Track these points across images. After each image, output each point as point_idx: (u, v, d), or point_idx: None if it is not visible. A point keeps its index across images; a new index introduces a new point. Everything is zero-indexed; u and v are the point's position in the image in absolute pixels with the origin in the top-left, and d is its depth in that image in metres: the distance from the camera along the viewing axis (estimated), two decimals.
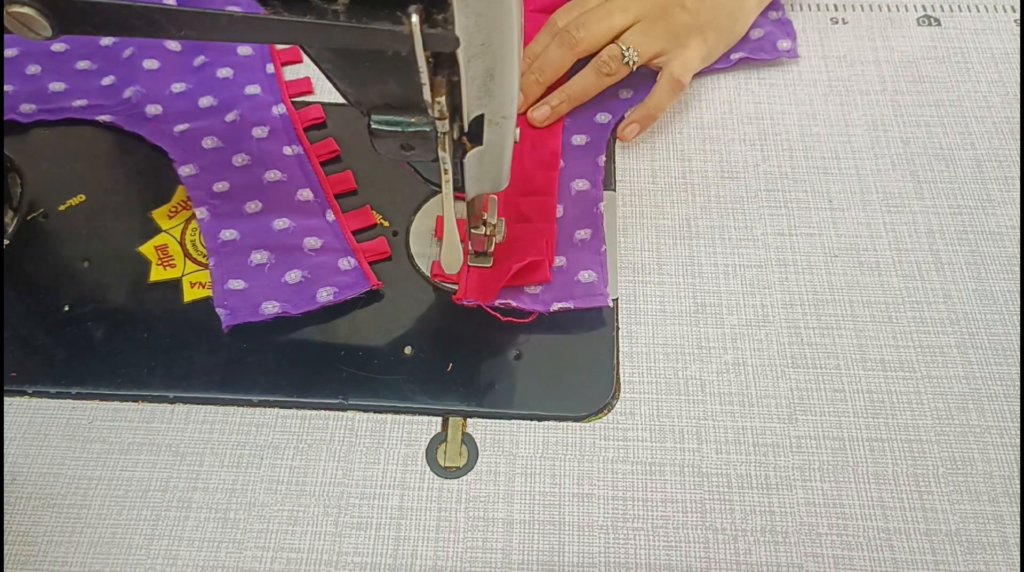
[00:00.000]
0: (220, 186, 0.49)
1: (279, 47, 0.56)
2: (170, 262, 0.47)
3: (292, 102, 0.53)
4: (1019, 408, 0.42)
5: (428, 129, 0.33)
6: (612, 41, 0.50)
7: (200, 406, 0.43)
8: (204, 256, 0.48)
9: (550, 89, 0.51)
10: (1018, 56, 0.56)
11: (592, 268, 0.46)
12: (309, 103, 0.54)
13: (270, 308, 0.44)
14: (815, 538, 0.39)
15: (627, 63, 0.50)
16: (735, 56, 0.54)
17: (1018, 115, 0.53)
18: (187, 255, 0.48)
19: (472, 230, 0.43)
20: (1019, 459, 0.41)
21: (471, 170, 0.37)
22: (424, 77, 0.29)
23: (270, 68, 0.55)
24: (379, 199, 0.50)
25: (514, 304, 0.44)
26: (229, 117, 0.52)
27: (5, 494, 0.40)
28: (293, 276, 0.45)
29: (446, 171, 0.35)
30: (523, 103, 0.51)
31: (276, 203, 0.48)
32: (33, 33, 0.30)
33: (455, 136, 0.35)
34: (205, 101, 0.53)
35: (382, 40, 0.28)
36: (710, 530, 0.39)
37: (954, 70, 0.56)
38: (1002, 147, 0.52)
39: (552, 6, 0.54)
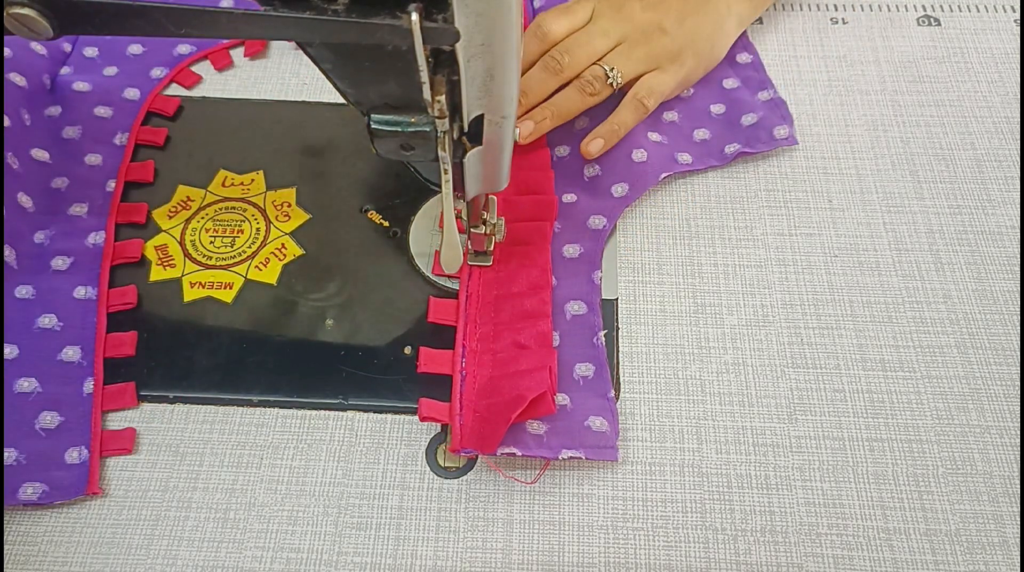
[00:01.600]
0: None
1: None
2: (170, 262, 0.47)
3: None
4: (1019, 408, 0.42)
5: (428, 129, 0.33)
6: (594, 62, 0.50)
7: (200, 406, 0.43)
8: (204, 256, 0.48)
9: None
10: (1018, 56, 0.56)
11: (603, 415, 0.41)
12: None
13: None
14: (815, 538, 0.39)
15: (610, 84, 0.49)
16: (730, 150, 0.50)
17: (1018, 115, 0.53)
18: (187, 255, 0.48)
19: (472, 229, 0.43)
20: (1019, 459, 0.41)
21: (471, 170, 0.37)
22: (424, 75, 0.29)
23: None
24: (379, 199, 0.50)
25: (519, 453, 0.40)
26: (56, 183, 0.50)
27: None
28: (9, 455, 0.40)
29: (446, 171, 0.35)
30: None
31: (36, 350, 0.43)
32: (33, 34, 0.30)
33: (455, 136, 0.35)
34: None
35: (382, 35, 0.28)
36: (710, 530, 0.39)
37: (954, 70, 0.56)
38: (1002, 147, 0.52)
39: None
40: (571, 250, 0.47)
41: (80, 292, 0.45)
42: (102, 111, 0.53)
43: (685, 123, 0.53)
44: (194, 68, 0.56)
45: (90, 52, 0.56)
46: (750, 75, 0.55)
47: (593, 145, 0.49)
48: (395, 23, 0.27)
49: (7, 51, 0.52)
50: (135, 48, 0.57)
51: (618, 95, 0.50)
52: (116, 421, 0.42)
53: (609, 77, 0.49)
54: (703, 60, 0.52)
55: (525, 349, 0.43)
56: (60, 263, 0.46)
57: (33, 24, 0.29)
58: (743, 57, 0.55)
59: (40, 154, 0.50)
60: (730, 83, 0.54)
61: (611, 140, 0.49)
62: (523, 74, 0.50)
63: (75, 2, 0.29)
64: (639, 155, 0.49)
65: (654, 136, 0.51)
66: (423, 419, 0.41)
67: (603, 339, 0.44)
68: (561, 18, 0.51)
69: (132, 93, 0.54)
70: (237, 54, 0.57)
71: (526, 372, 0.41)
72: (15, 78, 0.51)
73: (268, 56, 0.57)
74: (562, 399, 0.42)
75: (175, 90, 0.55)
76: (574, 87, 0.50)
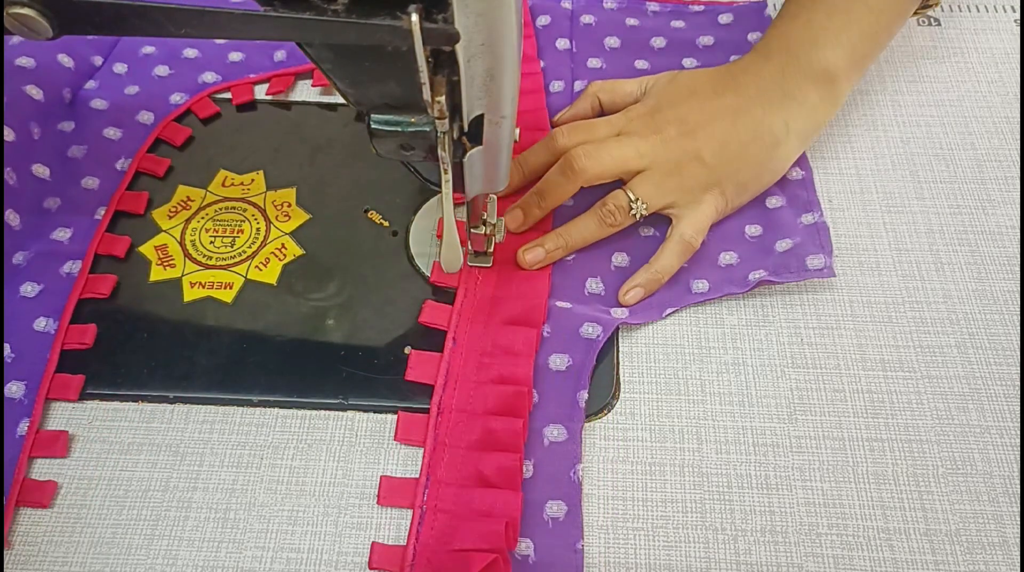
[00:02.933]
0: None
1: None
2: (170, 262, 0.47)
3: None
4: (1019, 408, 0.42)
5: (428, 129, 0.33)
6: (617, 178, 0.46)
7: (200, 406, 0.43)
8: (204, 256, 0.48)
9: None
10: (1018, 56, 0.56)
11: None
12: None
13: None
14: (815, 538, 0.39)
15: (633, 215, 0.45)
16: (754, 277, 0.45)
17: (1018, 115, 0.53)
18: (187, 255, 0.48)
19: (472, 230, 0.43)
20: (1019, 459, 0.41)
21: (471, 170, 0.37)
22: (424, 76, 0.29)
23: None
24: (379, 199, 0.50)
25: None
26: None
27: (5, 494, 0.40)
28: None
29: (446, 171, 0.35)
30: (522, 223, 0.47)
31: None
32: (34, 33, 0.30)
33: (455, 136, 0.35)
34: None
35: (382, 36, 0.28)
36: (710, 530, 0.39)
37: (954, 70, 0.56)
38: (1002, 147, 0.52)
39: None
40: (558, 361, 0.43)
41: (40, 324, 0.44)
42: (111, 133, 0.52)
43: (712, 244, 0.47)
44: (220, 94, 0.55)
45: (119, 68, 0.56)
46: (798, 194, 0.48)
47: (631, 295, 0.45)
48: (395, 23, 0.27)
49: (30, 61, 0.52)
50: (161, 70, 0.55)
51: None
52: (115, 430, 0.42)
53: (633, 208, 0.45)
54: (749, 187, 0.47)
55: (490, 485, 0.39)
56: (29, 290, 0.45)
57: (33, 24, 0.29)
58: (795, 173, 0.49)
59: (41, 170, 0.49)
60: (774, 202, 0.48)
61: (652, 289, 0.45)
62: (534, 181, 0.48)
63: (74, 2, 0.29)
64: None
65: None
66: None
67: (581, 473, 0.40)
68: (581, 132, 0.47)
69: (146, 116, 0.53)
70: (260, 90, 0.55)
71: (486, 516, 0.38)
72: (32, 90, 0.50)
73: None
74: (524, 547, 0.38)
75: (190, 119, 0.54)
76: (594, 215, 0.46)
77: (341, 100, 0.34)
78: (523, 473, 0.39)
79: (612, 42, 0.57)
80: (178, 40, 0.57)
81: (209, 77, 0.55)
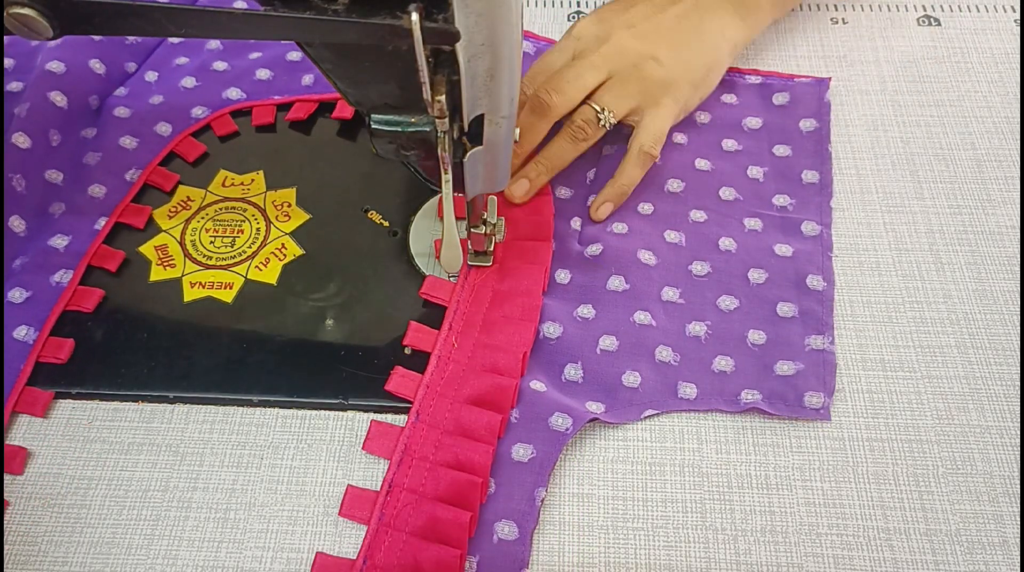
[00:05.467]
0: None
1: None
2: (170, 262, 0.47)
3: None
4: (1019, 408, 0.42)
5: (428, 129, 0.33)
6: (585, 101, 0.47)
7: (200, 406, 0.43)
8: (204, 256, 0.48)
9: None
10: (1018, 56, 0.56)
11: None
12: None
13: None
14: (815, 538, 0.39)
15: (602, 126, 0.46)
16: (746, 399, 0.42)
17: (1018, 115, 0.53)
18: (187, 255, 0.48)
19: (472, 229, 0.43)
20: (1019, 459, 0.41)
21: (471, 170, 0.37)
22: (424, 75, 0.29)
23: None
24: (379, 199, 0.50)
25: None
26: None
27: (5, 494, 0.40)
28: None
29: (446, 171, 0.35)
30: (528, 190, 0.48)
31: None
32: (34, 33, 0.30)
33: (455, 136, 0.35)
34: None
35: (382, 35, 0.28)
36: (710, 530, 0.39)
37: (954, 70, 0.56)
38: (1002, 147, 0.52)
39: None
40: (521, 452, 0.40)
41: (20, 332, 0.44)
42: (127, 142, 0.52)
43: (710, 345, 0.44)
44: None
45: (150, 76, 0.55)
46: (813, 309, 0.44)
47: (603, 210, 0.47)
48: (395, 23, 0.27)
49: (61, 66, 0.52)
50: (188, 82, 0.55)
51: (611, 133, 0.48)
52: (115, 430, 0.42)
53: (601, 118, 0.46)
54: (699, 89, 0.50)
55: (452, 503, 0.38)
56: (17, 295, 0.45)
57: (33, 24, 0.29)
58: (815, 282, 0.45)
59: (54, 176, 0.49)
60: (785, 309, 0.44)
61: (620, 201, 0.47)
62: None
63: (75, 2, 0.29)
64: (631, 379, 0.42)
65: (663, 353, 0.43)
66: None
67: (542, 497, 0.39)
68: (540, 75, 0.48)
69: (164, 128, 0.53)
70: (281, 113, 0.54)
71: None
72: (56, 97, 0.50)
73: None
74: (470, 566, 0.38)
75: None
76: (565, 135, 0.47)
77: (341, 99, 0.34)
78: None
79: None
80: (210, 52, 0.56)
81: (234, 94, 0.54)
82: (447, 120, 0.32)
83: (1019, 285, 0.46)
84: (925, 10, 0.59)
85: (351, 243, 0.48)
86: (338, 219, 0.49)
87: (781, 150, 0.51)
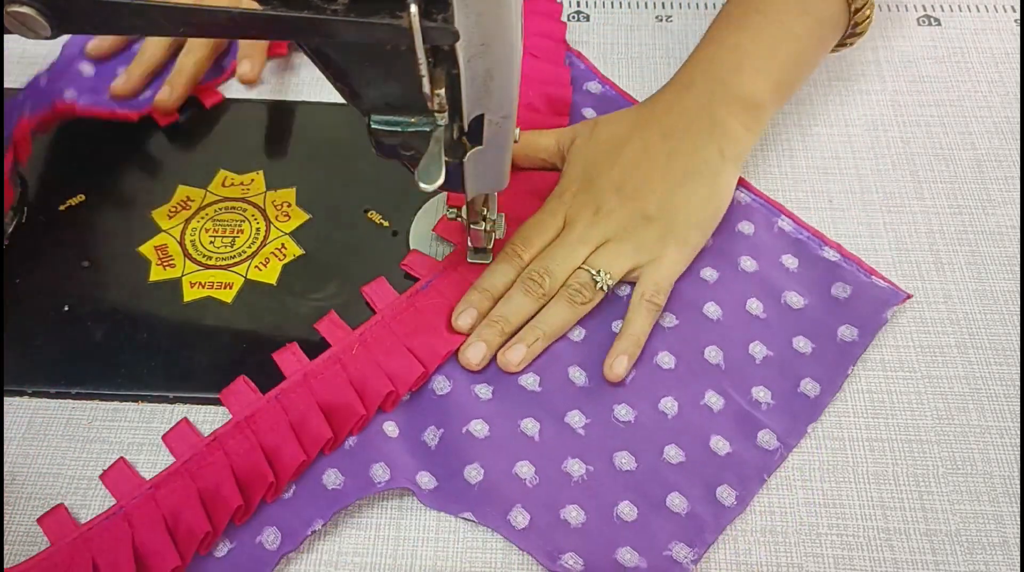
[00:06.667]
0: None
1: None
2: (170, 262, 0.47)
3: None
4: (1019, 408, 0.42)
5: (428, 129, 0.33)
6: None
7: (200, 406, 0.43)
8: (204, 256, 0.48)
9: None
10: (1018, 56, 0.56)
11: None
12: None
13: None
14: (815, 538, 0.39)
15: (601, 288, 0.44)
16: (568, 564, 0.37)
17: (1018, 115, 0.53)
18: (187, 255, 0.48)
19: (472, 226, 0.43)
20: (1019, 459, 0.41)
21: (471, 170, 0.37)
22: (423, 69, 0.29)
23: None
24: (379, 199, 0.50)
25: None
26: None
27: (5, 494, 0.40)
28: None
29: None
30: (486, 355, 0.43)
31: None
32: (33, 33, 0.30)
33: (455, 136, 0.35)
34: None
35: (381, 34, 0.28)
36: None
37: (954, 70, 0.56)
38: (1002, 147, 0.52)
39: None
40: (332, 478, 0.39)
41: None
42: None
43: (573, 489, 0.39)
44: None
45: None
46: (703, 517, 0.39)
47: (617, 364, 0.42)
48: (394, 22, 0.27)
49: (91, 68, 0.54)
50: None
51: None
52: (115, 430, 0.42)
53: (598, 281, 0.43)
54: (704, 227, 0.46)
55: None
56: None
57: (32, 23, 0.29)
58: (724, 493, 0.40)
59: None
60: (676, 502, 0.39)
61: (636, 352, 0.43)
62: (502, 296, 0.44)
63: (74, 1, 0.29)
64: (472, 474, 0.40)
65: (523, 468, 0.40)
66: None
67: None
68: (534, 238, 0.46)
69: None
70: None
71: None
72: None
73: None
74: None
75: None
76: (563, 299, 0.44)
77: (342, 99, 0.34)
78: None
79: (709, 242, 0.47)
80: None
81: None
82: (446, 114, 0.32)
83: (1019, 285, 0.46)
84: (925, 10, 0.59)
85: (351, 243, 0.48)
86: (338, 219, 0.49)
87: (801, 344, 0.43)
